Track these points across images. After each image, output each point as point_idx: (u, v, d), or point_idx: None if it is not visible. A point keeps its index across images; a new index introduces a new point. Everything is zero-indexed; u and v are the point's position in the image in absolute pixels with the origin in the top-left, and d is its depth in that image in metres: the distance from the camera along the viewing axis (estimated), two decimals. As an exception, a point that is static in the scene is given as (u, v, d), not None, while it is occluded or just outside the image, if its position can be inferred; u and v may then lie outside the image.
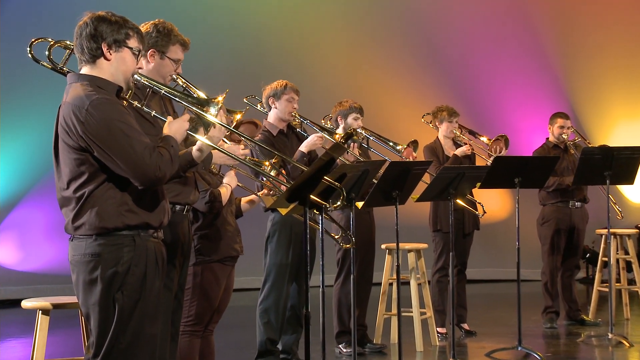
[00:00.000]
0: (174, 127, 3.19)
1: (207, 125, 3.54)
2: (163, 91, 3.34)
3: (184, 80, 3.87)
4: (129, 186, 3.01)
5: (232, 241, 4.32)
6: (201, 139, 3.40)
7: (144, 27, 3.77)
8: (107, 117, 2.93)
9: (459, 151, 6.70)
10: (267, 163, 3.89)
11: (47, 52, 3.22)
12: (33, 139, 8.71)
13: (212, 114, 3.29)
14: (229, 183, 4.38)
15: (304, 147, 5.40)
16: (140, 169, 2.94)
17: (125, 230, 3.01)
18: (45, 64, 3.25)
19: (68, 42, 3.22)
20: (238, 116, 3.70)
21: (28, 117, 8.85)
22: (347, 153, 5.69)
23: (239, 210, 4.57)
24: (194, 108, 3.30)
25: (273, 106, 5.53)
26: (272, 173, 3.88)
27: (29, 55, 3.23)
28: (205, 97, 3.40)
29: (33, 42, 3.27)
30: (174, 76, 3.84)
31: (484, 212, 6.42)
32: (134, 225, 3.02)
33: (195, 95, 3.46)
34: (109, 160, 2.95)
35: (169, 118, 3.27)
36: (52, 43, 3.25)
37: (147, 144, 2.96)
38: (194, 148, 3.51)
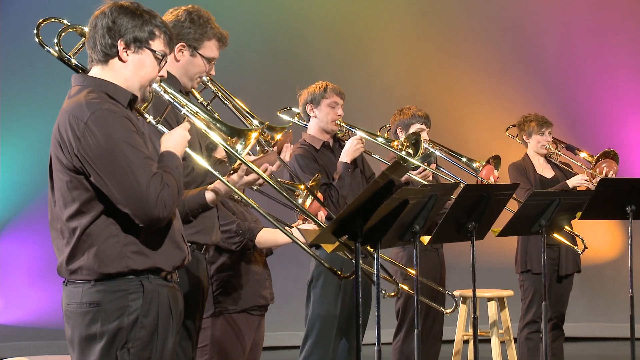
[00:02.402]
0: (174, 140, 3.17)
1: (233, 159, 3.53)
2: (184, 111, 3.34)
3: (216, 87, 3.88)
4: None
5: (260, 286, 4.34)
6: (221, 179, 3.40)
7: (173, 13, 3.80)
8: (109, 135, 2.94)
9: (575, 181, 6.62)
10: (302, 187, 3.88)
11: (56, 39, 3.27)
12: (18, 156, 8.86)
13: (240, 150, 3.27)
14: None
15: (345, 157, 5.39)
16: (141, 206, 2.94)
17: (131, 275, 3.03)
18: (51, 50, 3.31)
19: (85, 29, 3.27)
20: (278, 136, 3.69)
21: (20, 127, 8.98)
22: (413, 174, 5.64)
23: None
24: (223, 143, 3.28)
25: (312, 115, 5.55)
26: (308, 201, 3.87)
27: (36, 39, 3.30)
28: (237, 128, 3.35)
29: (42, 22, 3.33)
30: (204, 78, 3.86)
31: (585, 247, 6.35)
32: (141, 270, 3.04)
33: (223, 123, 3.41)
34: (105, 188, 2.96)
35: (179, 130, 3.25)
36: (64, 27, 3.31)
37: (152, 175, 2.96)
38: (209, 188, 3.52)
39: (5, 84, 8.85)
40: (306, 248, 3.62)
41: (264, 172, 3.49)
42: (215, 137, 3.30)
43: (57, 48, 3.31)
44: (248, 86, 8.81)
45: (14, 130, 8.98)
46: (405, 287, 5.13)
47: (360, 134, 5.49)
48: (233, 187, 3.43)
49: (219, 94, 3.98)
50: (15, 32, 8.73)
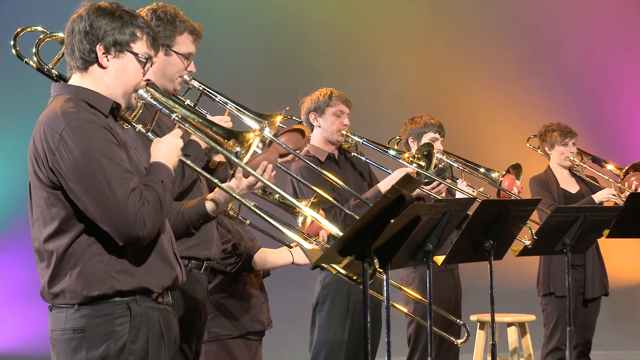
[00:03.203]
0: (164, 149, 3.16)
1: (232, 164, 3.53)
2: (174, 116, 3.32)
3: (199, 84, 3.89)
4: None
5: (257, 310, 4.34)
6: (221, 186, 3.39)
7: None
8: (85, 148, 2.93)
9: (601, 196, 6.61)
10: (305, 202, 3.88)
11: (34, 49, 3.29)
12: (5, 166, 8.88)
13: (239, 156, 3.25)
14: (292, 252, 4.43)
15: (385, 186, 5.32)
16: (119, 224, 2.93)
17: (117, 297, 3.03)
18: (30, 62, 3.32)
19: (60, 35, 3.28)
20: (278, 118, 3.67)
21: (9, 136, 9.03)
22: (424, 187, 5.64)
23: None
24: (218, 148, 3.27)
25: (316, 124, 5.56)
26: (308, 220, 3.86)
27: (13, 51, 3.31)
28: (235, 130, 3.34)
29: (19, 32, 3.34)
30: (185, 77, 3.87)
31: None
32: (127, 291, 3.03)
33: (218, 125, 3.40)
34: (81, 204, 2.96)
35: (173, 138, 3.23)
36: (42, 37, 3.32)
37: (131, 190, 2.94)
38: (209, 197, 3.52)
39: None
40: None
41: (263, 170, 3.48)
42: (210, 142, 3.30)
43: (35, 59, 3.32)
44: (245, 92, 8.74)
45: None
46: (414, 316, 5.12)
47: (371, 147, 5.49)
48: (233, 194, 3.41)
49: (206, 91, 3.98)
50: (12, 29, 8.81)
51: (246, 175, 3.41)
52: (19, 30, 3.36)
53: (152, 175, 3.06)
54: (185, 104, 3.86)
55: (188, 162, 3.27)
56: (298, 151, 4.47)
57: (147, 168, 3.11)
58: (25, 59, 3.33)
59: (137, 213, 2.93)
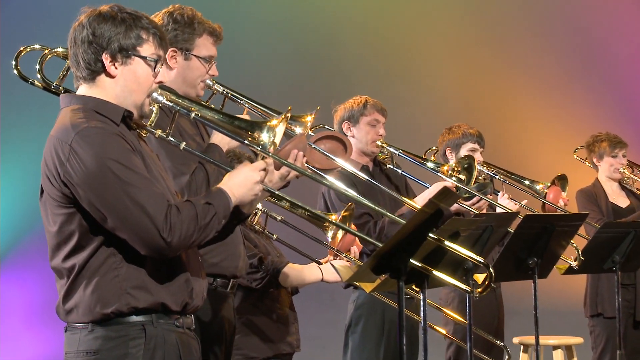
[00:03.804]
0: (235, 179, 3.09)
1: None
2: (192, 115, 3.28)
3: (223, 88, 3.89)
4: (137, 251, 3.00)
5: (285, 331, 4.34)
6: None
7: (154, 19, 3.84)
8: (96, 155, 2.93)
9: None
10: (333, 217, 3.86)
11: (37, 66, 3.30)
12: (14, 184, 8.93)
13: (264, 142, 3.19)
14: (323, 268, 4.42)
15: (422, 201, 5.10)
16: (140, 230, 2.93)
17: (132, 315, 3.03)
18: (36, 82, 3.33)
19: (60, 50, 3.31)
20: (309, 118, 3.65)
21: (16, 153, 9.07)
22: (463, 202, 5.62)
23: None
24: (243, 140, 3.24)
25: (349, 134, 5.54)
26: (340, 234, 3.85)
27: (15, 71, 3.33)
28: (257, 121, 3.30)
29: (21, 51, 3.36)
30: (207, 81, 3.88)
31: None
32: (143, 309, 3.03)
33: (240, 119, 3.37)
34: (99, 216, 2.96)
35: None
36: (45, 53, 3.34)
37: (153, 194, 2.95)
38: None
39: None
40: None
41: (294, 160, 3.41)
42: (234, 136, 3.27)
43: (39, 76, 3.33)
44: (273, 99, 8.71)
45: (9, 154, 9.08)
46: (454, 338, 5.11)
47: (407, 159, 5.47)
48: (268, 187, 3.31)
49: (230, 94, 3.98)
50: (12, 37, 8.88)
51: (277, 166, 3.34)
52: (21, 49, 3.38)
53: (201, 196, 3.07)
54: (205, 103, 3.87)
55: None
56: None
57: (208, 193, 3.10)
58: (30, 80, 3.35)
59: (164, 218, 2.91)
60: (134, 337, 3.02)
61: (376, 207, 3.49)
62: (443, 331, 5.22)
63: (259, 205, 4.39)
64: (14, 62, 3.35)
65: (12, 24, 9.09)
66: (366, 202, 3.52)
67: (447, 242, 3.44)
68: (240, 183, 3.10)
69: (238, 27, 7.57)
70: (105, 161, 2.93)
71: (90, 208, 2.95)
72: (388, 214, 3.57)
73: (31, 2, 9.32)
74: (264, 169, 3.15)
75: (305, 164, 3.54)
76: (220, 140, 3.74)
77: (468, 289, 3.47)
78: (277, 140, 3.25)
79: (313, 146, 3.70)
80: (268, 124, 3.24)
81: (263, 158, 3.23)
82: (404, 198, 3.68)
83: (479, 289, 3.43)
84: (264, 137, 3.21)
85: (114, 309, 3.00)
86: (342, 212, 4.00)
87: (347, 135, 5.50)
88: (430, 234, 3.44)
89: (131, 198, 2.91)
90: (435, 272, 3.47)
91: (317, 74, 9.59)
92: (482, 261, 3.37)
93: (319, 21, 9.94)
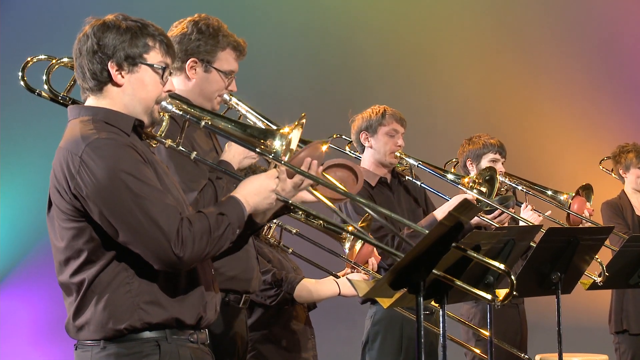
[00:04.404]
0: (250, 187, 3.10)
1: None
2: (203, 123, 3.28)
3: (241, 104, 3.90)
4: (150, 265, 3.02)
5: (301, 348, 4.35)
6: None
7: (178, 27, 3.85)
8: (108, 166, 2.95)
9: None
10: (351, 228, 3.85)
11: (44, 77, 3.32)
12: (18, 198, 8.95)
13: (276, 150, 3.19)
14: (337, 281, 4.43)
15: (442, 214, 5.21)
16: (153, 245, 2.95)
17: (146, 331, 3.05)
18: (43, 93, 3.36)
19: (65, 59, 3.33)
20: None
21: (20, 165, 9.10)
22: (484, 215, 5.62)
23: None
24: (256, 150, 3.23)
25: (367, 145, 5.54)
26: (357, 245, 3.84)
27: (21, 82, 3.35)
28: (270, 128, 3.33)
29: (28, 62, 3.39)
30: (225, 96, 3.89)
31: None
32: (157, 324, 3.05)
33: (251, 126, 3.38)
34: (110, 229, 2.98)
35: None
36: (52, 63, 3.36)
37: (166, 208, 2.96)
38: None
39: (3, 115, 8.99)
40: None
41: (308, 169, 3.38)
42: (246, 145, 3.28)
43: (46, 87, 3.35)
44: (288, 108, 8.73)
45: (13, 167, 9.11)
46: (477, 351, 5.11)
47: (427, 171, 5.47)
48: (280, 197, 3.30)
49: (245, 111, 3.98)
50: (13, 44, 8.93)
51: (290, 175, 3.33)
52: (28, 60, 3.40)
53: (215, 207, 3.08)
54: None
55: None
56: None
57: (221, 201, 3.12)
58: (37, 91, 3.37)
59: (176, 232, 2.93)
60: (148, 353, 3.04)
61: (394, 215, 3.48)
62: (477, 350, 5.19)
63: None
64: (20, 74, 3.36)
65: (13, 35, 9.14)
66: (384, 210, 3.51)
67: (468, 251, 3.45)
68: (255, 191, 3.12)
69: (255, 34, 7.55)
70: (116, 173, 2.95)
71: (102, 221, 2.97)
72: (408, 222, 3.56)
73: (33, 12, 9.36)
74: (279, 177, 3.16)
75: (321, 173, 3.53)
76: (232, 158, 3.74)
77: (489, 296, 3.45)
78: (293, 147, 3.27)
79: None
80: (281, 131, 3.24)
81: (276, 166, 3.24)
82: (406, 221, 3.62)
83: (501, 298, 3.42)
84: (277, 144, 3.23)
85: (127, 325, 3.01)
86: (359, 222, 4.00)
87: (364, 146, 5.51)
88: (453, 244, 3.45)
89: (144, 212, 2.93)
90: (458, 282, 3.47)
91: (335, 82, 9.59)
92: (502, 268, 3.36)
93: (337, 28, 9.93)
